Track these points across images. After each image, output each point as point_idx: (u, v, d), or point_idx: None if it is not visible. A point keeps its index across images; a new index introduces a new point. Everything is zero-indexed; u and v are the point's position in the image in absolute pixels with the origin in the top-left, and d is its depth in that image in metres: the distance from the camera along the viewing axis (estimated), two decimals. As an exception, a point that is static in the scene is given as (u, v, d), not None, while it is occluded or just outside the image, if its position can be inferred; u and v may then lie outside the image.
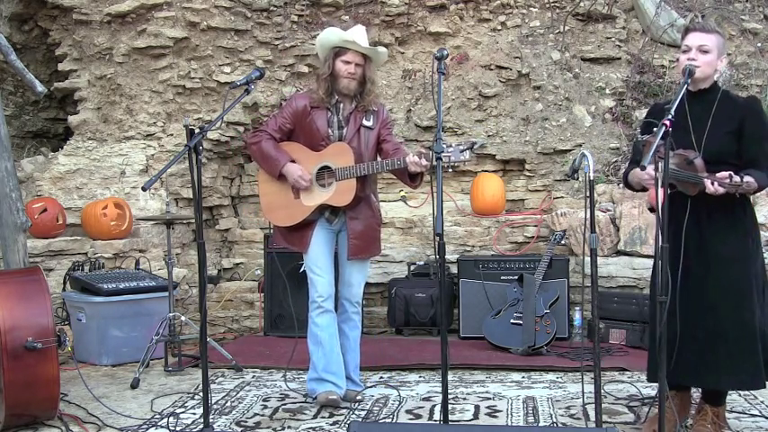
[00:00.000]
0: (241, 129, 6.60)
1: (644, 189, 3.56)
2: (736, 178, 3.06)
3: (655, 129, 3.04)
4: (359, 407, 4.10)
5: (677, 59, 3.39)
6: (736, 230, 3.34)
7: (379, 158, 4.19)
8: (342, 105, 4.16)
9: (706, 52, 3.27)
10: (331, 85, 4.12)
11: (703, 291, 3.28)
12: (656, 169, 2.99)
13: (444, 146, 3.51)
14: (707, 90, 3.35)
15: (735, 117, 3.30)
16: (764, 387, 3.36)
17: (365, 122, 4.15)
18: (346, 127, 4.15)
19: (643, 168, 2.95)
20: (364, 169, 4.02)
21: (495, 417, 3.92)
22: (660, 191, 3.00)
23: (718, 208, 3.27)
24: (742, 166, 3.25)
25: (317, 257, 4.16)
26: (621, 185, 5.85)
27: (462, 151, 3.55)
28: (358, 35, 4.11)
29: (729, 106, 3.33)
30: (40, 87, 4.64)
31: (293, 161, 4.12)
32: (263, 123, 4.53)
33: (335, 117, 4.16)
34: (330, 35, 4.14)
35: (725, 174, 3.10)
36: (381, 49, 4.26)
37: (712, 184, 3.11)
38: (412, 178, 4.03)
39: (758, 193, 3.48)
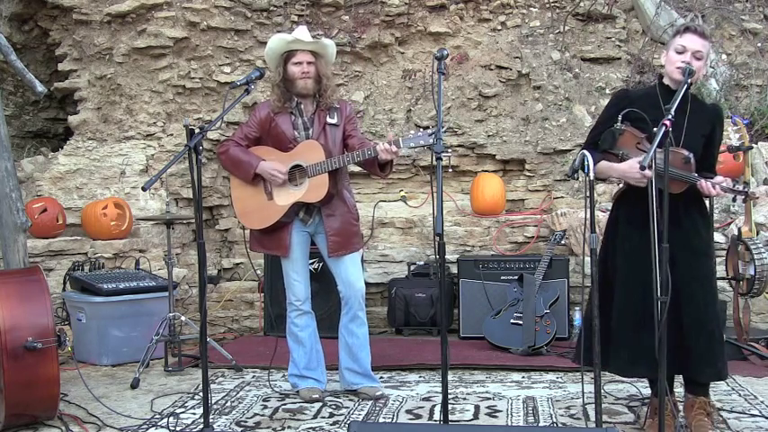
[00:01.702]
0: (241, 129, 6.61)
1: (605, 180, 3.66)
2: (738, 186, 3.25)
3: (636, 126, 3.07)
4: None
5: (665, 54, 3.39)
6: (706, 226, 3.50)
7: (346, 152, 4.21)
8: (303, 107, 4.19)
9: (699, 59, 3.32)
10: (287, 89, 4.14)
11: (686, 284, 3.31)
12: (649, 166, 3.03)
13: (412, 132, 3.61)
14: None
15: (707, 122, 3.42)
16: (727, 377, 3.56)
17: (329, 120, 4.18)
18: (312, 128, 4.17)
19: (643, 168, 2.97)
20: (335, 163, 4.03)
21: (495, 417, 3.92)
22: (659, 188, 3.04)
23: (693, 206, 3.40)
24: (702, 169, 3.36)
25: (296, 261, 4.23)
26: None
27: (430, 135, 3.61)
28: (302, 34, 4.14)
29: (701, 110, 3.44)
30: (40, 87, 4.64)
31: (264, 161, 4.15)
32: (232, 134, 4.55)
33: (299, 119, 4.18)
34: (273, 44, 4.17)
35: (721, 178, 3.28)
36: (327, 41, 4.28)
37: (714, 187, 3.25)
38: (381, 168, 4.07)
39: (758, 194, 3.52)
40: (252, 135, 4.22)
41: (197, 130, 3.40)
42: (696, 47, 3.30)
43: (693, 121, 3.35)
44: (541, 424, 3.77)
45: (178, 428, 3.74)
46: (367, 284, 6.12)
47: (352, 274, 4.23)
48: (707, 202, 3.59)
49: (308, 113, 4.19)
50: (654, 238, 3.11)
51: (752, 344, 4.89)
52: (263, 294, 6.05)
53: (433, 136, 3.58)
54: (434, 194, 3.10)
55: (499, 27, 6.96)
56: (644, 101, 3.37)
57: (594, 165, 3.43)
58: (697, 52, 3.30)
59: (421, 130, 3.55)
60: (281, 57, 4.14)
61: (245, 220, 4.27)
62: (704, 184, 3.23)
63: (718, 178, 3.30)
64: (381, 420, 3.86)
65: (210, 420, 3.45)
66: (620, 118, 3.28)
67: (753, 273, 4.72)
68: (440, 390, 3.09)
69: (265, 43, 6.48)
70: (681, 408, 3.68)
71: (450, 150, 6.33)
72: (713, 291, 3.45)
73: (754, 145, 5.70)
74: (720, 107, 3.61)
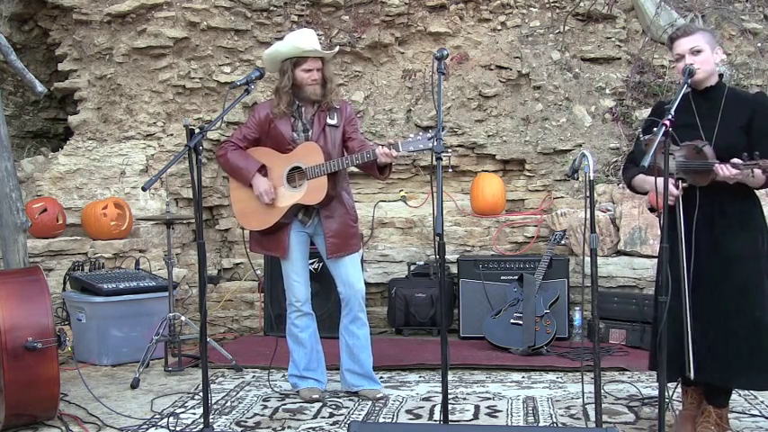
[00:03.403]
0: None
1: (645, 193, 3.56)
2: (754, 162, 3.03)
3: (655, 128, 3.05)
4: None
5: (674, 66, 3.41)
6: (748, 227, 3.32)
7: (347, 153, 4.21)
8: (304, 109, 4.18)
9: (699, 52, 3.28)
10: (293, 95, 4.13)
11: (716, 288, 3.27)
12: (656, 166, 3.01)
13: (411, 135, 3.75)
14: (713, 87, 3.35)
15: (745, 112, 3.29)
16: None
17: (329, 121, 4.17)
18: (311, 129, 4.17)
19: (643, 168, 2.97)
20: (334, 165, 4.03)
21: (495, 417, 3.92)
22: (659, 184, 3.01)
23: (731, 203, 3.27)
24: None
25: (295, 262, 4.23)
26: (622, 185, 5.88)
27: (430, 138, 3.64)
28: (314, 41, 4.10)
29: (738, 102, 3.33)
30: (40, 87, 4.65)
31: (263, 166, 4.14)
32: (231, 135, 4.54)
33: (299, 122, 4.18)
34: (284, 47, 4.12)
35: (737, 159, 3.08)
36: (335, 49, 4.33)
37: (727, 168, 3.08)
38: (381, 170, 4.07)
39: (758, 194, 3.47)
40: (251, 136, 4.21)
41: (197, 130, 3.40)
42: (688, 45, 3.29)
43: (728, 116, 3.27)
44: (541, 424, 3.77)
45: (178, 428, 3.74)
46: (367, 284, 6.11)
47: (352, 275, 4.23)
48: (760, 200, 3.37)
49: (307, 115, 4.19)
50: (681, 238, 3.09)
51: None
52: (263, 294, 6.05)
53: (433, 139, 3.59)
54: (434, 194, 3.10)
55: (499, 27, 6.96)
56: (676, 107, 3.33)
57: (632, 179, 3.50)
58: (692, 49, 3.28)
59: (420, 132, 3.55)
60: (290, 61, 4.10)
61: (245, 222, 4.27)
62: (718, 168, 3.10)
63: (735, 159, 3.08)
64: (381, 420, 3.86)
65: (210, 420, 3.45)
66: (640, 130, 3.27)
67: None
68: (440, 390, 3.09)
69: (265, 43, 6.61)
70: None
71: (450, 150, 6.33)
72: (753, 296, 3.25)
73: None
74: (762, 95, 3.41)
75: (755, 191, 3.34)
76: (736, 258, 3.28)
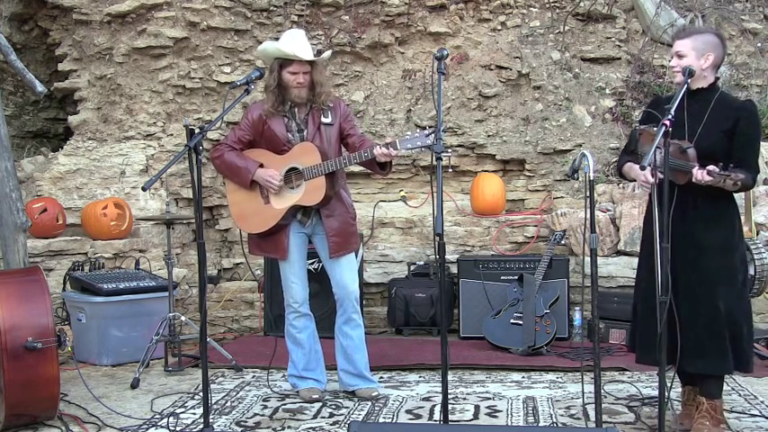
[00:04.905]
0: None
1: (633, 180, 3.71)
2: (727, 173, 3.17)
3: (655, 127, 3.10)
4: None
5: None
6: (720, 221, 3.46)
7: (345, 153, 4.20)
8: (296, 110, 4.17)
9: (682, 56, 3.40)
10: (281, 95, 4.11)
11: (686, 278, 3.36)
12: (655, 164, 3.10)
13: (409, 133, 3.75)
14: (705, 89, 3.46)
15: (730, 117, 3.40)
16: (731, 373, 3.51)
17: (324, 120, 4.15)
18: (306, 129, 4.15)
19: (643, 168, 3.01)
20: (332, 165, 4.02)
21: (495, 417, 3.92)
22: (638, 173, 3.11)
23: (705, 199, 3.39)
24: (732, 164, 3.34)
25: (294, 264, 4.22)
26: (622, 185, 5.91)
27: (428, 135, 3.68)
28: (299, 45, 4.05)
29: (725, 107, 3.44)
30: (40, 87, 4.65)
31: (261, 165, 4.13)
32: (225, 137, 4.52)
33: (293, 122, 4.16)
34: (271, 47, 4.10)
35: (714, 167, 3.20)
36: (325, 54, 4.28)
37: (699, 172, 3.22)
38: (381, 166, 4.08)
39: (758, 194, 3.51)
40: (245, 138, 4.19)
41: (197, 130, 3.40)
42: (676, 49, 3.43)
43: (714, 118, 3.38)
44: (541, 424, 3.78)
45: (178, 428, 3.74)
46: (367, 284, 6.16)
47: (346, 276, 4.23)
48: (737, 198, 3.51)
49: (301, 115, 4.17)
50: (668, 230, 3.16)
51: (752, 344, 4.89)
52: (262, 294, 6.05)
53: (431, 137, 3.60)
54: (434, 194, 3.10)
55: (499, 27, 6.96)
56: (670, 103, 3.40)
57: (622, 166, 3.64)
58: (677, 52, 3.41)
59: (418, 130, 3.55)
60: (276, 61, 4.08)
61: (243, 225, 4.26)
62: (696, 172, 3.23)
63: (712, 166, 3.21)
64: (381, 420, 3.86)
65: (210, 420, 3.45)
66: (638, 119, 3.35)
67: (753, 273, 4.71)
68: (440, 390, 3.09)
69: (265, 43, 6.61)
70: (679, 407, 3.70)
71: (450, 150, 6.33)
72: (717, 286, 3.38)
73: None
74: (750, 103, 3.55)
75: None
76: (706, 250, 3.41)
